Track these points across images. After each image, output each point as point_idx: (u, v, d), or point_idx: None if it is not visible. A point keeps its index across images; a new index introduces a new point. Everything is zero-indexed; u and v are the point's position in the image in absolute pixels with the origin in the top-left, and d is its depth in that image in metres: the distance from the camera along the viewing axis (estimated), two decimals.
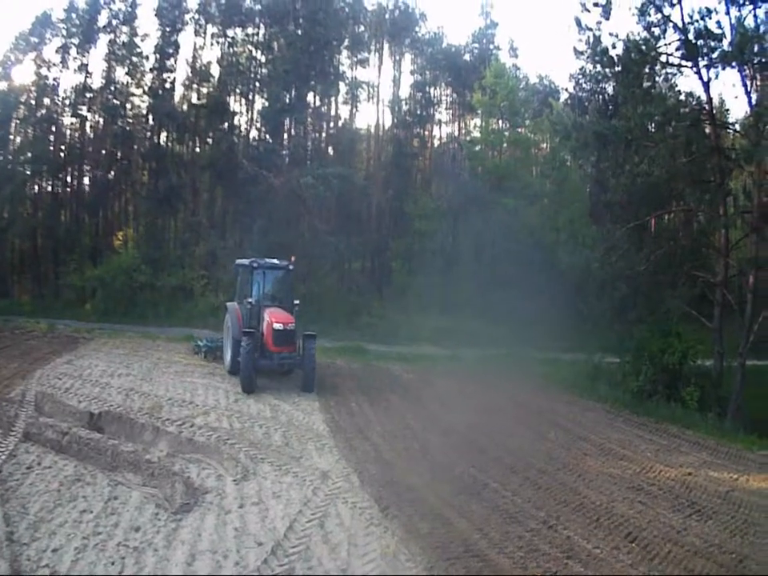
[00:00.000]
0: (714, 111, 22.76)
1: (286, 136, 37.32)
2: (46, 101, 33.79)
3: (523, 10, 74.71)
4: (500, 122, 38.61)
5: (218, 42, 36.24)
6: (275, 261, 19.46)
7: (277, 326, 17.22)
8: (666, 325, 21.45)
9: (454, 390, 19.71)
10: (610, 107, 26.45)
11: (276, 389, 17.44)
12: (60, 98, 33.84)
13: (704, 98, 22.45)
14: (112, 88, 34.21)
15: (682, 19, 21.35)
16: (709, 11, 20.76)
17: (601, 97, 35.64)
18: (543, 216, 35.15)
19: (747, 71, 20.91)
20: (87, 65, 33.77)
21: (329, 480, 10.81)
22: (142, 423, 12.67)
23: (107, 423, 12.51)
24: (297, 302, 18.57)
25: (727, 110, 32.75)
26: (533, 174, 38.67)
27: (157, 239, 33.82)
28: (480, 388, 20.39)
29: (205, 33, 35.98)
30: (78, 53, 33.58)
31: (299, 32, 35.16)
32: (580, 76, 41.53)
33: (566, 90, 44.31)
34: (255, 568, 7.56)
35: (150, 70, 34.61)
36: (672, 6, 21.61)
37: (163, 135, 35.54)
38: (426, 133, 43.76)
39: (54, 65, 33.38)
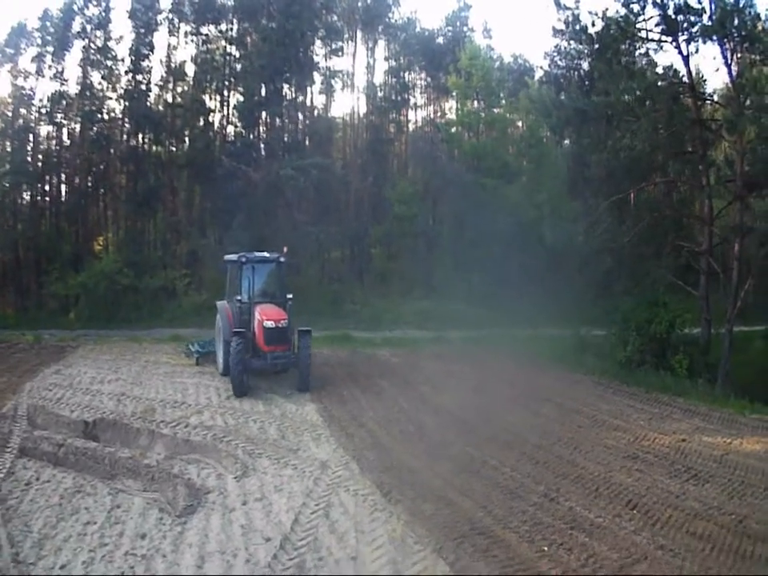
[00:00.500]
0: (694, 84, 22.96)
1: (262, 129, 37.02)
2: (23, 111, 33.21)
3: None
4: (476, 103, 38.45)
5: (192, 41, 35.68)
6: (265, 254, 18.53)
7: (268, 323, 16.23)
8: (651, 295, 21.64)
9: (443, 372, 19.81)
10: (587, 83, 26.53)
11: (268, 386, 17.16)
12: (36, 108, 33.16)
13: (683, 71, 22.67)
14: (88, 93, 33.52)
15: None
16: None
17: (576, 73, 35.71)
18: (522, 194, 34.90)
19: (727, 44, 21.00)
20: (63, 72, 33.18)
21: (328, 469, 10.78)
22: (137, 428, 12.53)
23: (102, 431, 12.36)
24: (290, 296, 17.51)
25: (705, 80, 33.12)
26: (510, 153, 38.45)
27: (137, 242, 33.44)
28: (467, 368, 20.49)
29: (178, 32, 35.40)
30: (53, 60, 32.92)
31: (273, 25, 34.67)
32: (555, 53, 41.72)
33: (541, 68, 44.44)
34: (266, 564, 7.49)
35: (126, 72, 34.07)
36: None
37: (140, 137, 34.97)
38: (402, 117, 43.51)
39: (30, 74, 32.74)
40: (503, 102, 39.23)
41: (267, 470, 10.68)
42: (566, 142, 36.44)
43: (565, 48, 36.99)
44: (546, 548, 8.17)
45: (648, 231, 22.58)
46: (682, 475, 11.00)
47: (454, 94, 39.62)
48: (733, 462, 11.80)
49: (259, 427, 13.21)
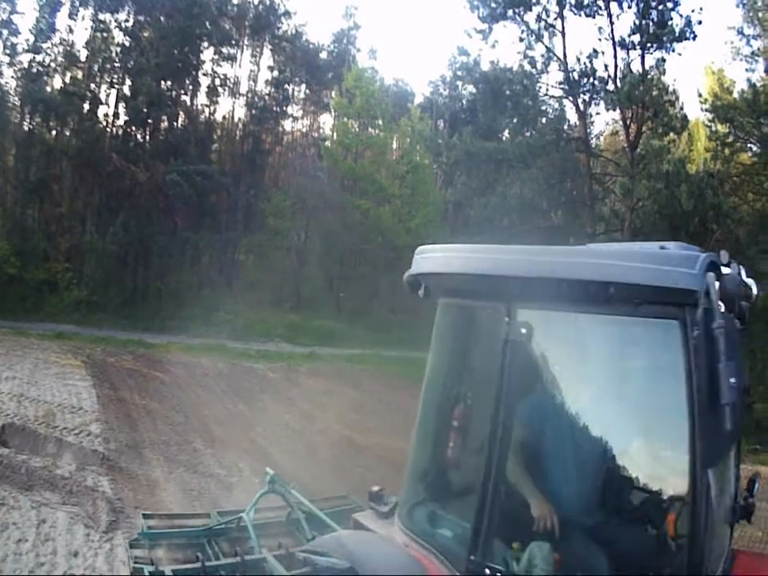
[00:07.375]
0: (589, 140, 23.84)
1: (149, 129, 35.74)
2: None
3: (382, 13, 76.59)
4: (356, 123, 38.50)
5: (92, 28, 33.94)
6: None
7: None
8: None
9: (325, 389, 20.03)
10: (467, 116, 26.55)
11: None
12: None
13: (576, 122, 23.64)
14: None
15: (564, 53, 22.13)
16: (596, 52, 21.55)
17: (460, 104, 36.34)
18: (395, 218, 35.20)
19: (629, 112, 21.46)
20: None
21: (233, 477, 11.17)
22: (44, 435, 12.16)
23: (11, 436, 11.86)
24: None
25: (598, 135, 34.70)
26: (384, 176, 38.12)
27: (24, 230, 31.37)
28: (345, 387, 20.77)
29: (77, 16, 33.51)
30: None
31: (171, 25, 33.59)
32: (440, 83, 42.85)
33: (423, 94, 45.62)
34: None
35: (25, 51, 32.04)
36: (553, 36, 22.57)
37: (34, 121, 32.89)
38: (280, 129, 43.17)
39: None
40: (380, 122, 38.97)
41: (178, 478, 10.87)
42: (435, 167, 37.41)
43: (450, 79, 37.82)
44: None
45: None
46: None
47: (335, 112, 39.76)
48: None
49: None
